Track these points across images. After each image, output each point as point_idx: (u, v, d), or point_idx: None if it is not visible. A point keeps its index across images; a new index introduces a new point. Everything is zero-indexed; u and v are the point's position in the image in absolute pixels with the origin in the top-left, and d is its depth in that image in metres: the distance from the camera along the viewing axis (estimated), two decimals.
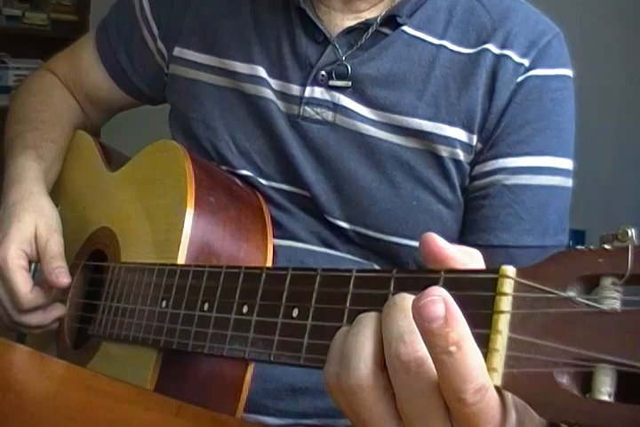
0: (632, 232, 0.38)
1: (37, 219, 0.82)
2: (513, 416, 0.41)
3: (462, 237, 0.82)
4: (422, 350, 0.39)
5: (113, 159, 0.94)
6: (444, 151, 0.79)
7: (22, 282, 0.79)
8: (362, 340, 0.42)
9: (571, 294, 0.38)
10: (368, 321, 0.43)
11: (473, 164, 0.80)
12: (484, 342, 0.39)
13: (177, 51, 0.90)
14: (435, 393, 0.39)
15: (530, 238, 0.78)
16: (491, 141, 0.79)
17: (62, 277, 0.78)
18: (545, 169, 0.79)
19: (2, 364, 0.68)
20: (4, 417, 0.58)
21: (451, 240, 0.81)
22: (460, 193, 0.80)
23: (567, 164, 0.81)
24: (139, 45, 0.96)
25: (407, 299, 0.40)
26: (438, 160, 0.79)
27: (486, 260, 0.47)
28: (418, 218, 0.79)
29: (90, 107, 1.05)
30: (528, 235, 0.78)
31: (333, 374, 0.43)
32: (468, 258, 0.44)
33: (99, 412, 0.61)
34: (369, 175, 0.80)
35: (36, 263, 0.84)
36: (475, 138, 0.79)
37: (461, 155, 0.79)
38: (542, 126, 0.79)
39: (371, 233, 0.81)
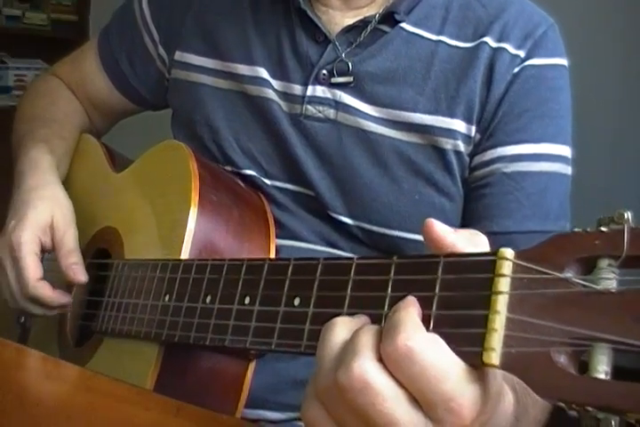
0: (628, 215, 0.38)
1: (54, 208, 0.83)
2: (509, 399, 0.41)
3: (464, 228, 0.82)
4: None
5: (118, 161, 0.95)
6: (447, 144, 0.80)
7: (32, 268, 0.79)
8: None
9: (567, 274, 0.39)
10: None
11: (472, 155, 0.81)
12: (483, 323, 0.40)
13: (178, 55, 0.91)
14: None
15: (531, 224, 0.79)
16: (489, 131, 0.80)
17: (79, 274, 0.79)
18: (543, 156, 0.80)
19: (2, 364, 0.68)
20: (4, 417, 0.59)
21: None
22: (460, 185, 0.81)
23: (565, 151, 0.81)
24: (140, 51, 0.97)
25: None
26: (440, 153, 0.80)
27: (490, 247, 0.47)
28: (420, 211, 0.80)
29: (94, 112, 1.06)
30: (530, 220, 0.79)
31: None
32: (469, 242, 0.45)
33: (99, 412, 0.61)
34: (371, 171, 0.81)
35: (44, 253, 0.83)
36: (473, 129, 0.80)
37: (462, 146, 0.80)
38: (539, 114, 0.80)
39: (375, 228, 0.81)
